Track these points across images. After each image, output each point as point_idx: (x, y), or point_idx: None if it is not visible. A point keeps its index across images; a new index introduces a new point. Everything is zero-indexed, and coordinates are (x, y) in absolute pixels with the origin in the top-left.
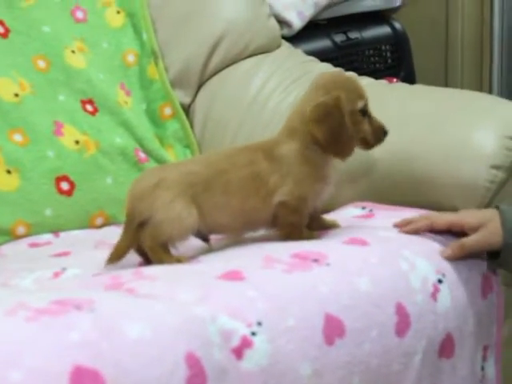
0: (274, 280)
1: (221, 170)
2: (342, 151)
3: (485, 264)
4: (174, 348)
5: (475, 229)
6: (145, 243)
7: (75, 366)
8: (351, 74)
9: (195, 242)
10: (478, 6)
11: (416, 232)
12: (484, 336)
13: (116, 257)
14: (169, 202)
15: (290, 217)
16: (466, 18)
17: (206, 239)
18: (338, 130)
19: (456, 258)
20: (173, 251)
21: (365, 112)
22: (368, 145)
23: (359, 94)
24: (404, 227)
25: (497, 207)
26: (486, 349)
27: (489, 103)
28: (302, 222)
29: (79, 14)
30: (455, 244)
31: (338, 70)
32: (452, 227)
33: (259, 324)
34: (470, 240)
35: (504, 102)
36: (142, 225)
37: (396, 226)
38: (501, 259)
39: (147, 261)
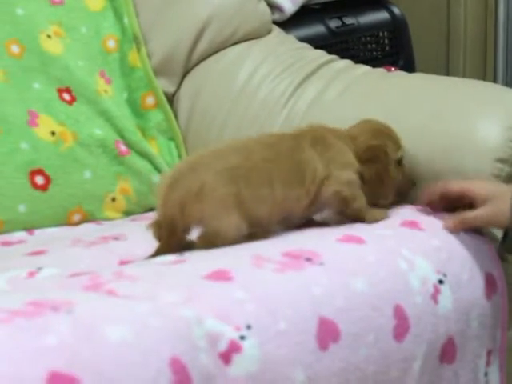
0: (264, 280)
1: (263, 159)
2: (381, 195)
3: (488, 263)
4: (157, 352)
5: (483, 202)
6: None
7: (51, 371)
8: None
9: None
10: None
11: (433, 196)
12: (488, 340)
13: None
14: (216, 212)
15: (352, 205)
16: (468, 3)
17: None
18: (383, 173)
19: (457, 231)
20: None
21: (400, 163)
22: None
23: (399, 145)
24: (422, 197)
25: None
26: (489, 353)
27: (493, 92)
28: (365, 205)
29: None
30: (457, 216)
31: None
32: (464, 193)
33: (248, 327)
34: (473, 214)
35: (509, 91)
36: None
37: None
38: (508, 243)
39: None
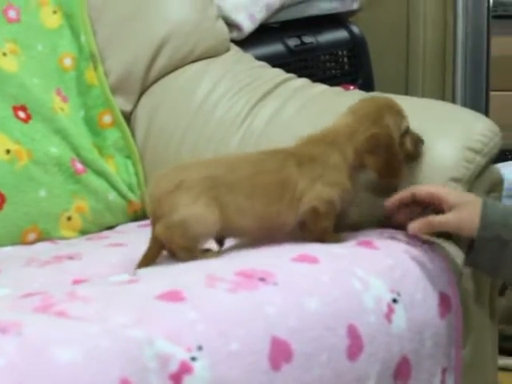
0: (216, 300)
1: (246, 175)
2: (395, 175)
3: (443, 282)
4: (107, 373)
5: (451, 207)
6: (174, 244)
7: None
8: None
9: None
10: (440, 10)
11: (400, 202)
12: (442, 358)
13: (146, 262)
14: (190, 203)
15: (321, 223)
16: (428, 23)
17: (220, 242)
18: (390, 158)
19: (422, 233)
20: None
21: (407, 131)
22: (410, 159)
23: (402, 115)
24: (389, 200)
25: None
26: (444, 372)
27: (451, 112)
28: (331, 227)
29: (11, 14)
30: (423, 219)
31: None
32: (432, 198)
33: (200, 348)
34: (440, 218)
35: (465, 111)
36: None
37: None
38: (472, 255)
39: None
